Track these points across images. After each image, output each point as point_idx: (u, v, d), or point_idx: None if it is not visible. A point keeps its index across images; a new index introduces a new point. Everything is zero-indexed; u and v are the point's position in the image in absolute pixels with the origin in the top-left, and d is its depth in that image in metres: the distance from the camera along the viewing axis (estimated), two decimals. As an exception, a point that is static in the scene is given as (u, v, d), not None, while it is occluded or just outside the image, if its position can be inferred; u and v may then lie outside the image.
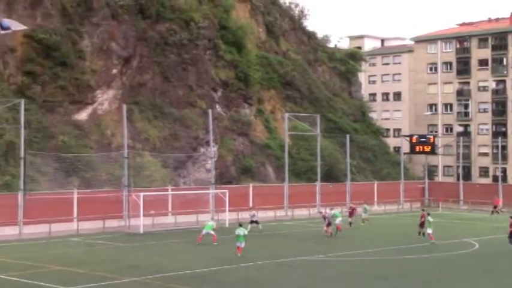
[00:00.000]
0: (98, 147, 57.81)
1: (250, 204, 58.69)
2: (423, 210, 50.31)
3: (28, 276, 32.02)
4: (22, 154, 49.01)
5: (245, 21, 77.28)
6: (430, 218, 45.32)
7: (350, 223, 54.38)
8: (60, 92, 58.13)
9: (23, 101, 49.83)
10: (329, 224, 48.21)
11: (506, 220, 45.24)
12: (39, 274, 32.57)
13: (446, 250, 42.25)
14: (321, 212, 53.74)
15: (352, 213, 56.57)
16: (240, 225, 40.06)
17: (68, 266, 34.70)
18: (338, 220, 49.59)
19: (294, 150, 71.59)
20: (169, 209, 56.15)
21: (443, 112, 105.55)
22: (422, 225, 47.38)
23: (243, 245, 37.92)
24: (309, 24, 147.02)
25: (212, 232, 43.04)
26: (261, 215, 58.43)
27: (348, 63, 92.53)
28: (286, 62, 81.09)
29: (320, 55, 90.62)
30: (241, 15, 78.06)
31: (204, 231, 43.06)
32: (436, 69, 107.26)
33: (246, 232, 38.86)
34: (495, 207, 69.44)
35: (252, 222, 50.11)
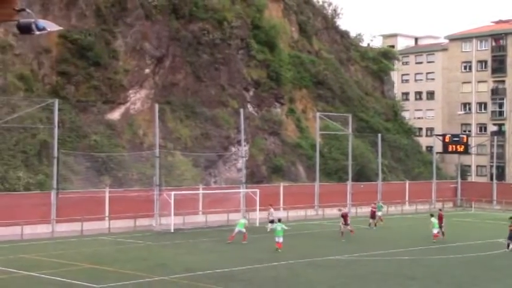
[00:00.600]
0: (130, 146, 58.23)
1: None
2: (440, 210, 49.99)
3: (60, 274, 32.39)
4: (55, 153, 49.56)
5: (278, 20, 77.25)
6: (433, 219, 45.75)
7: (369, 224, 53.98)
8: (93, 91, 58.67)
9: (56, 101, 50.40)
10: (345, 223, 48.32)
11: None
12: (70, 272, 32.92)
13: (478, 251, 41.87)
14: (340, 210, 52.49)
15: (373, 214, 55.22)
16: (279, 220, 40.92)
17: (99, 264, 35.03)
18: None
19: (325, 150, 71.42)
20: (200, 208, 56.35)
21: (477, 111, 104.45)
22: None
23: (281, 239, 38.73)
24: (342, 23, 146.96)
25: (243, 230, 43.26)
26: (292, 214, 58.54)
27: (381, 62, 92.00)
28: (319, 61, 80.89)
29: (352, 54, 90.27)
30: (274, 14, 78.05)
31: (236, 229, 43.22)
32: (470, 67, 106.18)
33: (284, 227, 39.88)
34: None
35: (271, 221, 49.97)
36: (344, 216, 48.41)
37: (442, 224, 47.15)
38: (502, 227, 53.49)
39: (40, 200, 48.82)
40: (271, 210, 52.17)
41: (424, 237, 47.81)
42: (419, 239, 46.56)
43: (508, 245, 42.33)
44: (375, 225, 53.93)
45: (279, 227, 40.25)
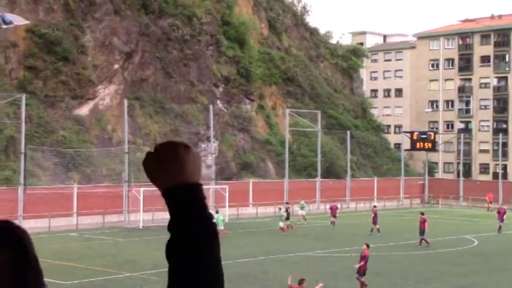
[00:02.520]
0: (99, 142, 57.87)
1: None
2: (422, 214, 44.80)
3: (26, 270, 32.08)
4: (23, 149, 49.11)
5: (247, 17, 77.25)
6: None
7: (372, 229, 48.32)
8: (61, 87, 58.18)
9: (24, 96, 49.93)
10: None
11: (509, 217, 45.32)
12: (37, 269, 32.65)
13: (445, 247, 42.25)
14: (287, 203, 54.09)
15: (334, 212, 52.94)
16: (217, 212, 41.59)
17: (67, 260, 34.76)
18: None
19: (295, 146, 71.57)
20: (169, 204, 56.11)
21: (445, 109, 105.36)
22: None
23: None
24: (311, 20, 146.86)
25: (222, 227, 42.61)
26: (261, 210, 58.55)
27: (350, 59, 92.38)
28: (288, 58, 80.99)
29: (322, 51, 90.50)
30: (244, 11, 77.98)
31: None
32: (437, 65, 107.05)
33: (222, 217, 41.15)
34: (490, 203, 69.41)
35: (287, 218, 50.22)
36: (287, 210, 50.73)
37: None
38: (469, 224, 54.23)
39: (7, 196, 48.32)
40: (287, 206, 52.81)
41: (390, 233, 48.12)
42: (389, 235, 46.77)
43: (421, 242, 42.18)
44: (378, 230, 47.83)
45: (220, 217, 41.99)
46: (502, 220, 49.60)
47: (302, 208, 55.00)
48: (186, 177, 2.03)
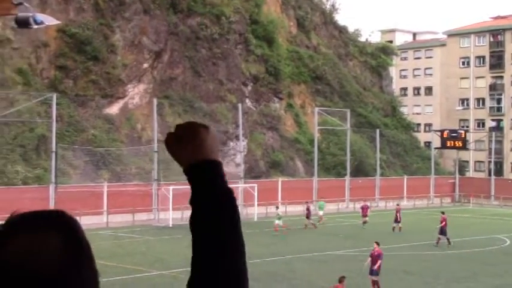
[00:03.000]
0: (128, 141, 58.21)
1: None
2: (443, 213, 44.53)
3: (58, 268, 32.39)
4: (54, 148, 49.63)
5: (276, 15, 77.16)
6: None
7: (393, 228, 48.60)
8: (91, 86, 58.62)
9: (55, 95, 50.44)
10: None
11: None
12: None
13: (477, 246, 41.87)
14: (307, 202, 53.76)
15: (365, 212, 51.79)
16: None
17: (97, 258, 33.98)
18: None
19: (324, 145, 71.38)
20: (199, 203, 56.27)
21: (476, 107, 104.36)
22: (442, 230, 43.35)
23: None
24: (340, 19, 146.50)
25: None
26: (290, 209, 58.42)
27: (379, 57, 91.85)
28: (317, 57, 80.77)
29: (351, 49, 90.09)
30: (272, 9, 77.91)
31: None
32: (468, 63, 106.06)
33: None
34: None
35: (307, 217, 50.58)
36: (307, 210, 50.59)
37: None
38: (500, 223, 53.67)
39: (38, 194, 48.80)
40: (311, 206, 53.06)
41: (420, 232, 47.81)
42: (419, 234, 46.51)
43: (438, 240, 41.75)
44: (400, 229, 47.98)
45: None
46: None
47: (320, 208, 53.78)
48: (205, 154, 2.11)
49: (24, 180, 49.71)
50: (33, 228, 1.73)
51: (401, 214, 49.26)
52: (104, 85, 59.32)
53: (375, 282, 26.58)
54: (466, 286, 29.47)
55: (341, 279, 22.35)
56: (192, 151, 2.12)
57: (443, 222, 42.46)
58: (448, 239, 41.80)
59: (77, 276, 1.74)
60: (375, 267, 26.94)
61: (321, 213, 52.98)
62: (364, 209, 52.05)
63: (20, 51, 55.52)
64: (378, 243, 27.79)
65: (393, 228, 48.33)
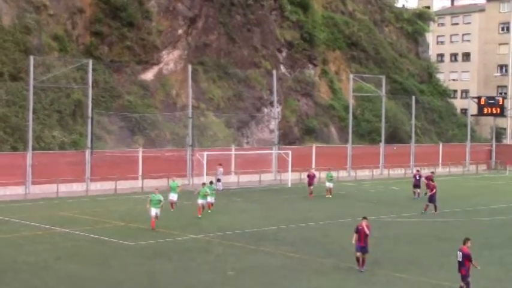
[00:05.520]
0: (163, 106, 58.51)
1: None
2: (432, 181, 44.39)
3: (94, 231, 32.91)
4: (89, 113, 50.08)
5: (311, -20, 76.41)
6: None
7: (415, 193, 48.34)
8: (126, 52, 58.89)
9: (90, 61, 50.77)
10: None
11: None
12: (104, 229, 33.42)
13: (511, 213, 41.62)
14: (418, 171, 51.58)
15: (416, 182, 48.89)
16: (211, 182, 41.10)
17: (132, 222, 35.51)
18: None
19: (358, 112, 71.10)
20: (232, 169, 56.62)
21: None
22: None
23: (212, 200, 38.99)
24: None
25: (204, 201, 38.46)
26: (324, 175, 58.43)
27: (416, 23, 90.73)
28: (352, 23, 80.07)
29: (387, 15, 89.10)
30: (307, -26, 77.13)
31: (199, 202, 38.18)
32: (508, 29, 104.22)
33: (208, 190, 38.61)
34: None
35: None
36: (310, 177, 48.97)
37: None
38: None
39: (75, 159, 49.51)
40: (220, 169, 52.30)
41: (456, 198, 47.58)
42: (451, 201, 46.32)
43: (426, 207, 41.27)
44: (425, 194, 45.38)
45: (208, 189, 38.98)
46: None
47: (330, 180, 49.40)
48: None
49: (60, 145, 50.28)
50: None
51: (420, 180, 48.43)
52: (138, 51, 59.56)
53: (363, 260, 25.45)
54: (501, 252, 29.33)
55: (465, 241, 22.13)
56: None
57: (434, 190, 41.61)
58: (435, 206, 41.14)
59: None
60: (365, 243, 25.29)
61: (329, 185, 49.00)
62: (311, 177, 49.21)
63: (56, 18, 55.89)
64: (366, 218, 26.28)
65: (414, 193, 48.30)
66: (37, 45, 53.34)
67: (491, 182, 63.63)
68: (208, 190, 38.97)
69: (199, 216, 36.94)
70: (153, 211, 33.02)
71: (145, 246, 29.75)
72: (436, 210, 40.97)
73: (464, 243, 22.68)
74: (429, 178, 46.68)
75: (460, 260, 22.29)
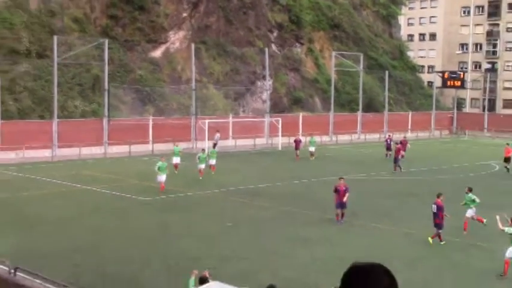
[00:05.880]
0: (170, 80, 58.28)
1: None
2: (397, 143, 44.37)
3: (112, 188, 33.03)
4: (106, 86, 49.97)
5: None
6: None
7: (386, 155, 48.23)
8: (138, 32, 58.44)
9: (106, 41, 50.47)
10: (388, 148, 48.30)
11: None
12: (121, 187, 33.54)
13: (471, 171, 41.86)
14: (389, 136, 51.51)
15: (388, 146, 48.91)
16: (203, 149, 40.49)
17: (144, 180, 35.61)
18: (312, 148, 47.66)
19: (339, 84, 70.89)
20: (230, 134, 56.65)
21: (473, 51, 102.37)
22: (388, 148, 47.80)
23: (203, 166, 37.51)
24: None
25: (203, 166, 37.73)
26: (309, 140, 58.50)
27: (390, 7, 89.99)
28: (335, 7, 79.36)
29: (365, 0, 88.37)
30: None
31: (200, 166, 37.72)
32: (468, 12, 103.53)
33: (203, 155, 37.98)
34: None
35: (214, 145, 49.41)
36: (296, 142, 48.36)
37: (404, 153, 44.16)
38: (492, 151, 53.31)
39: (94, 126, 49.45)
40: (218, 135, 52.06)
41: (422, 159, 47.78)
42: (419, 162, 46.52)
43: (395, 168, 41.19)
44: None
45: (211, 153, 39.42)
46: None
47: (312, 144, 48.30)
48: None
49: (81, 114, 50.24)
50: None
51: (391, 144, 48.37)
52: (148, 32, 59.12)
53: (342, 214, 25.61)
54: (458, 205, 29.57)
55: (341, 178, 22.11)
56: None
57: (399, 152, 41.84)
58: (399, 167, 41.25)
59: None
60: (344, 199, 25.45)
61: (312, 149, 48.09)
62: (297, 142, 48.59)
63: (76, 2, 55.34)
64: (343, 178, 26.28)
65: (386, 155, 48.29)
66: (60, 26, 52.92)
67: (453, 145, 63.92)
68: (211, 154, 39.20)
69: (201, 177, 36.95)
70: (162, 177, 32.37)
71: (157, 201, 29.93)
72: (395, 170, 40.97)
73: (438, 197, 22.90)
74: (403, 143, 46.50)
75: (435, 211, 22.56)
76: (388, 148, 48.64)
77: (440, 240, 22.39)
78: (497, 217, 20.43)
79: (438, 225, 22.51)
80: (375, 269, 2.71)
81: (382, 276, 2.70)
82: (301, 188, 34.17)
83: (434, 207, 22.73)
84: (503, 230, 19.51)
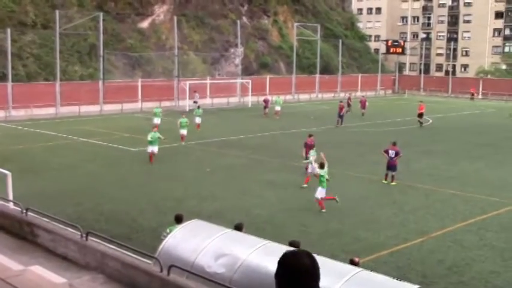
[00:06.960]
0: (156, 48, 57.07)
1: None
2: (341, 102, 43.11)
3: (107, 140, 32.53)
4: (101, 53, 48.80)
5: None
6: None
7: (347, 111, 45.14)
8: (128, 6, 56.88)
9: (101, 14, 49.19)
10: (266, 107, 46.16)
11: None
12: (114, 139, 33.05)
13: (409, 124, 42.11)
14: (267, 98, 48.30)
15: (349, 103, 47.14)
16: (198, 106, 39.87)
17: (134, 133, 35.14)
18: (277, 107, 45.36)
19: (300, 51, 70.19)
20: (208, 94, 56.02)
21: (412, 23, 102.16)
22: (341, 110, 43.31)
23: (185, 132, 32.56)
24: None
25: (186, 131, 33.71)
26: (274, 98, 58.20)
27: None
28: (296, -16, 77.99)
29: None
30: None
31: (181, 132, 33.15)
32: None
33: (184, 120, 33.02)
34: (472, 94, 67.92)
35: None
36: (265, 101, 47.06)
37: (365, 108, 44.98)
38: (427, 108, 53.49)
39: (91, 87, 48.46)
40: (196, 94, 51.09)
41: (369, 114, 47.87)
42: (366, 116, 46.59)
43: (338, 122, 40.48)
44: (348, 112, 44.80)
45: (196, 112, 37.57)
46: None
47: (277, 104, 46.10)
48: None
49: (80, 77, 49.22)
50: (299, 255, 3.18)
51: (352, 102, 48.67)
52: (137, 6, 57.56)
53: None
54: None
55: (310, 135, 22.11)
56: None
57: (343, 109, 41.04)
58: (340, 121, 40.47)
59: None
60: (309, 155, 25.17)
61: (278, 108, 45.73)
62: (266, 101, 47.04)
63: (73, -20, 53.49)
64: (312, 135, 26.11)
65: (346, 112, 47.54)
66: (61, 1, 51.32)
67: (395, 102, 64.15)
68: (196, 113, 38.18)
69: (183, 143, 33.84)
70: (153, 148, 27.45)
71: (145, 152, 29.52)
72: (337, 124, 40.25)
73: (393, 145, 23.06)
74: (363, 101, 46.81)
75: (392, 156, 22.71)
76: (349, 105, 47.93)
77: (392, 182, 22.53)
78: (322, 154, 20.13)
79: (394, 167, 22.71)
80: (299, 253, 3.16)
81: (305, 257, 3.13)
82: (268, 140, 34.02)
83: (391, 152, 22.83)
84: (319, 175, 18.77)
